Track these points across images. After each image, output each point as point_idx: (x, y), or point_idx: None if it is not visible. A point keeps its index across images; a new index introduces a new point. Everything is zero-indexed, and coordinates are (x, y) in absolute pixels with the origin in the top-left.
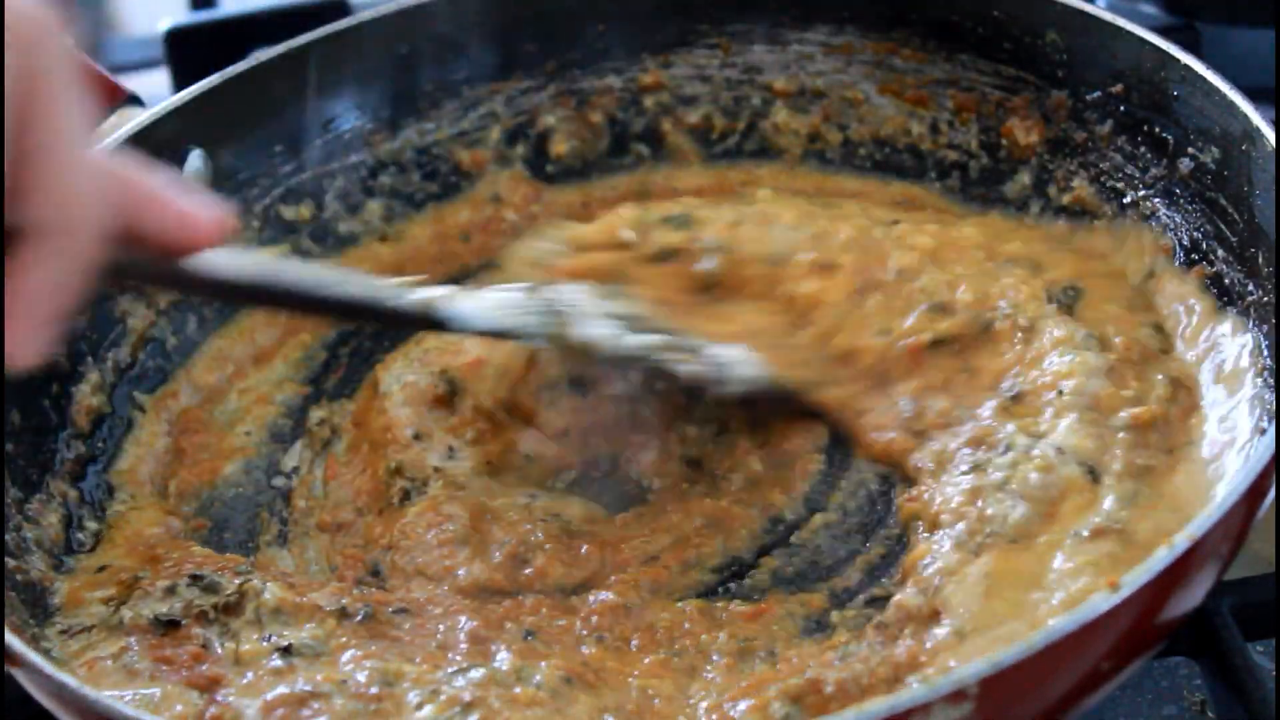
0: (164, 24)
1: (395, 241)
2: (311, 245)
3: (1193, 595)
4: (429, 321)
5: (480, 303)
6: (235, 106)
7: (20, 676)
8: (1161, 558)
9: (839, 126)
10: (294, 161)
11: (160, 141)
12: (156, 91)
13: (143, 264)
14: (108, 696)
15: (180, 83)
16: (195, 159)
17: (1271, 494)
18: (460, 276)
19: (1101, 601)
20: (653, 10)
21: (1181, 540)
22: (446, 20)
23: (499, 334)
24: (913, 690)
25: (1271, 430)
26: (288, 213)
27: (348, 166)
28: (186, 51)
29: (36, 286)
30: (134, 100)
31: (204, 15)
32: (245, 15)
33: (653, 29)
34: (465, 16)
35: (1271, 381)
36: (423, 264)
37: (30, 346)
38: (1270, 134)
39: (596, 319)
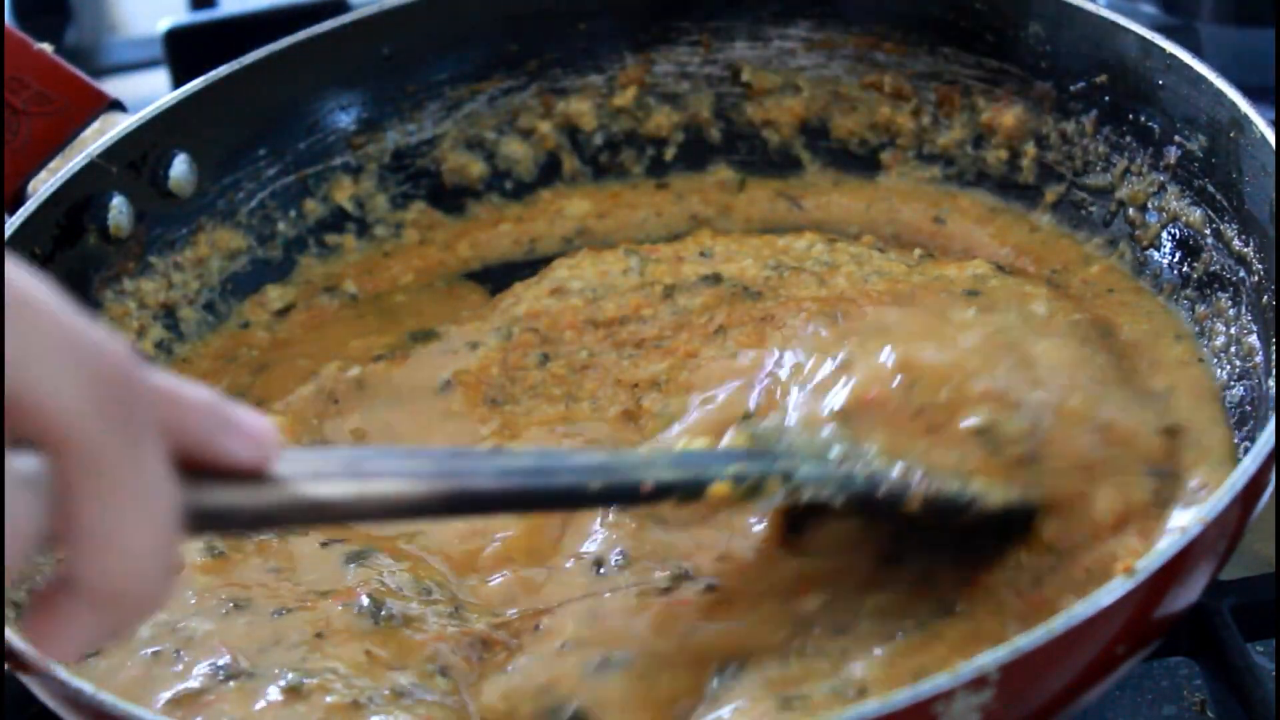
0: (164, 24)
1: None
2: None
3: (1199, 582)
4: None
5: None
6: (221, 109)
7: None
8: (1175, 542)
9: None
10: (279, 164)
11: (145, 147)
12: (156, 92)
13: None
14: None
15: (180, 83)
16: (181, 164)
17: (1270, 488)
18: None
19: (1118, 586)
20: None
21: (1195, 524)
22: (425, 20)
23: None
24: (935, 678)
25: (1271, 424)
26: (277, 216)
27: (334, 168)
28: (186, 52)
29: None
30: (116, 106)
31: (204, 15)
32: (245, 15)
33: (634, 26)
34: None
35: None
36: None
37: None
38: (1258, 119)
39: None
